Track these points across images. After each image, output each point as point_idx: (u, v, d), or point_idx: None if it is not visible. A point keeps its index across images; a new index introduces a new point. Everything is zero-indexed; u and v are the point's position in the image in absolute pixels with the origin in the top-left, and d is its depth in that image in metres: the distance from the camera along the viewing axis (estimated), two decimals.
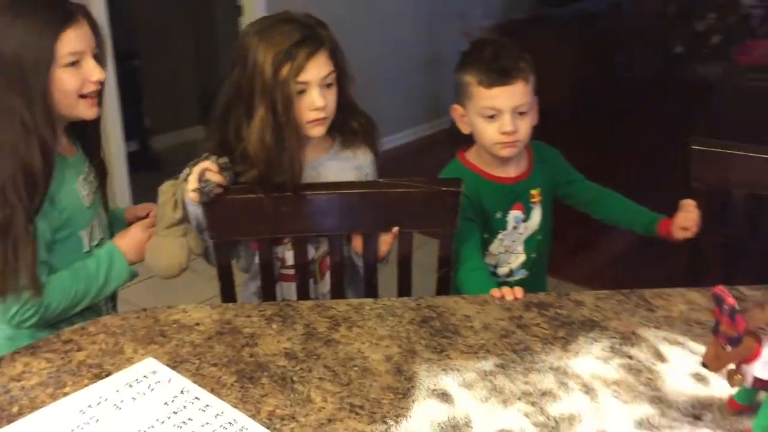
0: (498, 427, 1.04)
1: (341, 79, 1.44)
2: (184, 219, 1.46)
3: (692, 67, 4.75)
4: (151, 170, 3.66)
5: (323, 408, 1.08)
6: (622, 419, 1.06)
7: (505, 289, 1.37)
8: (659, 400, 1.10)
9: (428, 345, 1.23)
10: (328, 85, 1.41)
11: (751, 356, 0.98)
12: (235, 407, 1.08)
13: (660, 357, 1.20)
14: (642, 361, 1.19)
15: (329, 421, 1.05)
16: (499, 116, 1.55)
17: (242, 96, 1.38)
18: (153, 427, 1.04)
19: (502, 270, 1.71)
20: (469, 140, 1.67)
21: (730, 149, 1.67)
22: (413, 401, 1.09)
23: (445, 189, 1.51)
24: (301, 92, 1.38)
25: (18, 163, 1.28)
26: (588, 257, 3.06)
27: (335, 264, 1.55)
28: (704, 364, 1.00)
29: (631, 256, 2.97)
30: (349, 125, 1.52)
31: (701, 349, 1.17)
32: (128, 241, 1.47)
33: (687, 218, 1.58)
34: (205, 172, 1.39)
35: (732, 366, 1.01)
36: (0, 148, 1.28)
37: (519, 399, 1.10)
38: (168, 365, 1.17)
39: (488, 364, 1.18)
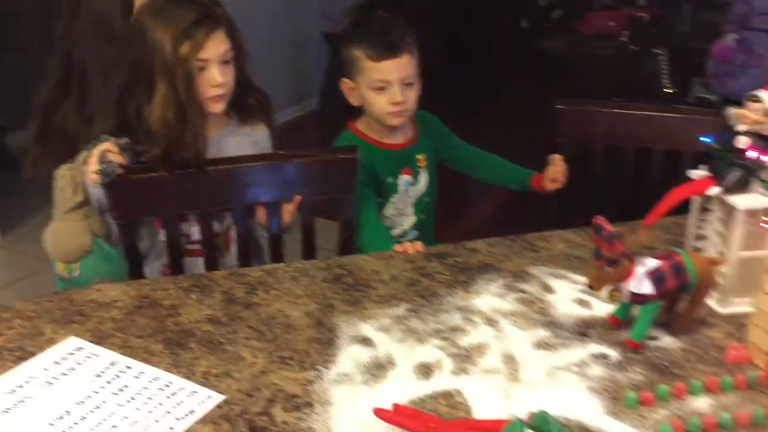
0: (418, 360, 1.15)
1: (238, 56, 1.49)
2: (85, 202, 1.46)
3: (540, 40, 5.09)
4: (6, 170, 3.47)
5: (255, 363, 1.14)
6: (523, 343, 1.20)
7: (407, 245, 1.48)
8: (551, 324, 1.25)
9: (343, 299, 1.32)
10: (226, 62, 1.45)
11: (627, 275, 1.14)
12: (168, 372, 1.12)
13: (548, 289, 1.35)
14: (533, 294, 1.33)
15: (262, 373, 1.12)
16: (389, 88, 1.66)
17: (141, 76, 1.40)
18: (90, 397, 1.06)
19: (395, 232, 1.83)
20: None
21: (588, 107, 1.86)
22: (338, 348, 1.18)
23: (342, 156, 1.60)
24: (201, 69, 1.42)
25: None
26: (469, 215, 3.26)
27: (241, 237, 1.60)
28: (589, 285, 1.15)
29: (508, 210, 3.19)
30: (246, 101, 1.57)
31: (582, 279, 1.34)
32: None
33: (555, 171, 1.77)
34: (105, 153, 1.40)
35: (611, 286, 1.17)
36: None
37: (432, 336, 1.21)
38: (92, 342, 1.19)
39: (400, 310, 1.28)
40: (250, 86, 1.58)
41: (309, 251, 1.65)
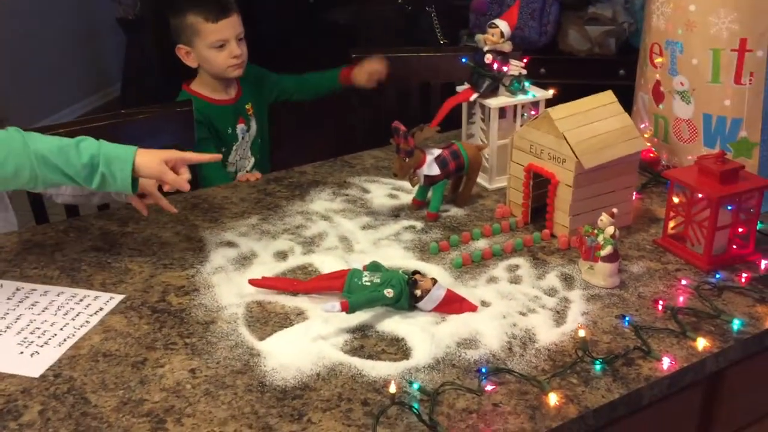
0: (274, 250, 1.47)
1: None
2: None
3: (327, 13, 5.44)
4: None
5: (142, 271, 1.40)
6: (352, 228, 1.55)
7: (248, 174, 1.78)
8: (372, 212, 1.62)
9: (205, 219, 1.60)
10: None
11: (421, 162, 1.53)
12: (71, 287, 1.35)
13: (365, 191, 1.72)
14: (355, 195, 1.70)
15: (151, 276, 1.38)
16: (227, 45, 1.94)
17: None
18: (8, 313, 1.26)
19: (241, 174, 2.09)
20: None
21: (379, 53, 2.25)
22: (208, 251, 1.47)
23: (178, 110, 1.86)
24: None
25: None
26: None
27: None
28: (395, 174, 1.53)
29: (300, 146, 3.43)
30: None
31: (389, 181, 1.72)
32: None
33: (373, 62, 2.13)
34: None
35: (411, 173, 1.55)
36: None
37: (282, 233, 1.54)
38: None
39: (253, 220, 1.59)
40: None
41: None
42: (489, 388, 1.07)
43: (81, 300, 1.31)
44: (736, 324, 1.21)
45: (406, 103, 2.28)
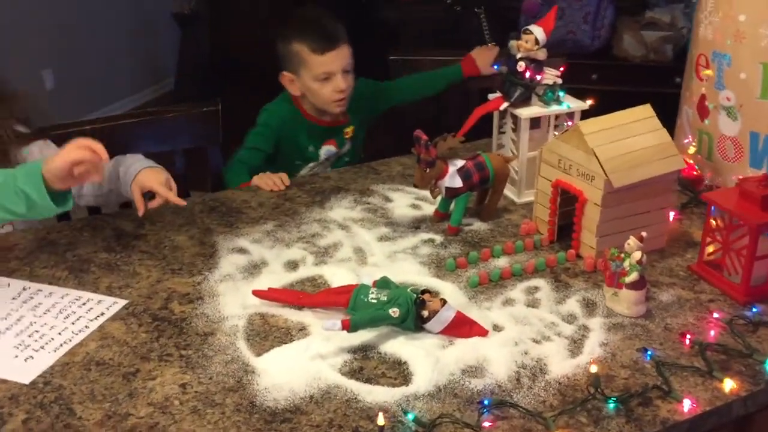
0: (286, 259, 1.42)
1: None
2: None
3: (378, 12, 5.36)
4: None
5: (150, 276, 1.37)
6: (369, 238, 1.50)
7: (274, 177, 1.72)
8: (391, 223, 1.56)
9: (220, 223, 1.56)
10: None
11: (442, 174, 1.46)
12: (76, 290, 1.33)
13: (388, 200, 1.66)
14: (376, 204, 1.64)
15: (158, 282, 1.35)
16: (332, 78, 1.83)
17: None
18: (10, 314, 1.25)
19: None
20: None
21: (414, 56, 2.19)
22: (219, 258, 1.43)
23: (205, 110, 1.83)
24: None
25: None
26: None
27: None
28: (415, 185, 1.47)
29: None
30: None
31: (413, 190, 1.65)
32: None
33: (488, 50, 2.05)
34: None
35: (432, 184, 1.48)
36: None
37: (296, 242, 1.49)
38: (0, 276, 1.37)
39: (269, 226, 1.55)
40: None
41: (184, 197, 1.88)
42: (487, 424, 1.00)
43: (84, 303, 1.29)
44: None
45: (444, 109, 2.21)
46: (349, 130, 1.99)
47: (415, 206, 1.63)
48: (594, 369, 1.05)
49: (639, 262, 1.21)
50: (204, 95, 1.96)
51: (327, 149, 1.97)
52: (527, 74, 1.54)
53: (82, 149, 1.29)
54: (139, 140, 1.77)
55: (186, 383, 1.09)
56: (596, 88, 3.29)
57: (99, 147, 1.30)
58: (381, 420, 0.95)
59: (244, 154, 1.88)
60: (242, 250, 1.46)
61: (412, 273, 1.37)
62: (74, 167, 1.29)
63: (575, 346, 1.17)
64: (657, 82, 3.07)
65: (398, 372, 1.11)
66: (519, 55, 1.56)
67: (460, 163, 1.48)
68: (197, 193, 1.75)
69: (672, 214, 1.52)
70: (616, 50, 3.28)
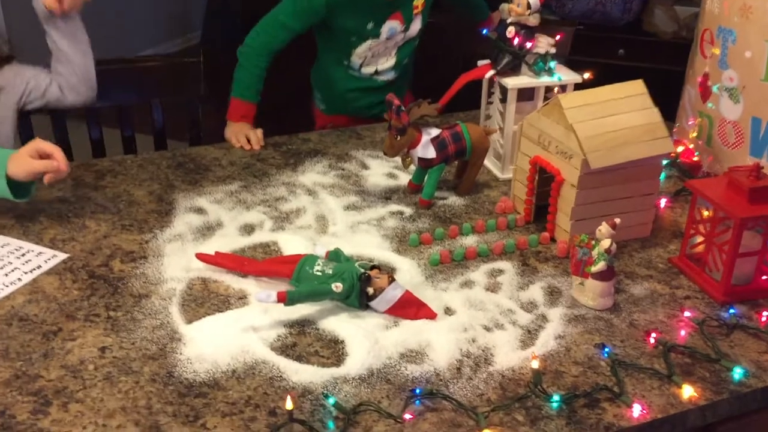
0: (243, 222, 1.35)
1: None
2: None
3: None
4: None
5: (98, 230, 1.31)
6: (335, 206, 1.42)
7: (250, 135, 1.64)
8: (362, 192, 1.47)
9: (184, 180, 1.50)
10: None
11: (414, 143, 1.37)
12: (18, 240, 1.28)
13: (364, 166, 1.57)
14: (351, 170, 1.55)
15: (105, 237, 1.29)
16: None
17: None
18: None
19: (367, 69, 1.78)
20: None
21: None
22: (174, 216, 1.36)
23: (186, 60, 1.76)
24: None
25: None
26: None
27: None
28: (384, 152, 1.38)
29: None
30: None
31: (394, 159, 1.55)
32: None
33: None
34: None
35: (403, 153, 1.39)
36: None
37: (258, 204, 1.41)
38: None
39: (234, 186, 1.48)
40: None
41: (161, 148, 1.81)
42: (408, 416, 0.92)
43: (23, 255, 1.23)
44: (737, 373, 1.01)
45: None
46: (418, 3, 1.70)
47: (391, 175, 1.54)
48: (535, 364, 0.96)
49: (607, 251, 1.11)
50: (231, 47, 1.85)
51: (390, 26, 1.70)
52: (516, 41, 1.43)
53: (44, 163, 1.26)
54: (117, 88, 1.70)
55: (106, 347, 1.03)
56: (622, 64, 3.14)
57: (59, 155, 1.27)
58: (289, 403, 0.88)
59: (270, 31, 1.65)
60: (200, 210, 1.39)
61: (371, 246, 1.29)
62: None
63: (528, 336, 1.08)
64: (686, 61, 2.90)
65: (332, 351, 1.04)
66: (509, 20, 1.45)
67: (435, 132, 1.38)
68: (174, 144, 1.69)
69: (664, 201, 1.41)
70: (645, 25, 3.10)
